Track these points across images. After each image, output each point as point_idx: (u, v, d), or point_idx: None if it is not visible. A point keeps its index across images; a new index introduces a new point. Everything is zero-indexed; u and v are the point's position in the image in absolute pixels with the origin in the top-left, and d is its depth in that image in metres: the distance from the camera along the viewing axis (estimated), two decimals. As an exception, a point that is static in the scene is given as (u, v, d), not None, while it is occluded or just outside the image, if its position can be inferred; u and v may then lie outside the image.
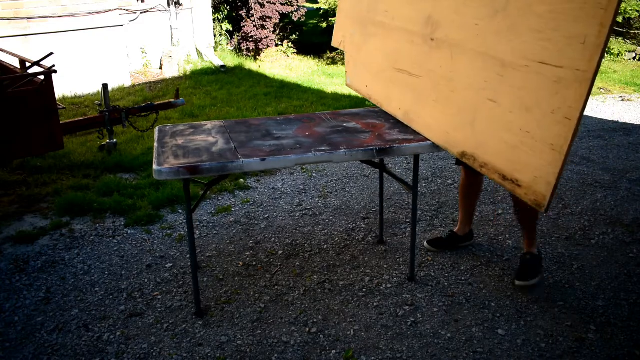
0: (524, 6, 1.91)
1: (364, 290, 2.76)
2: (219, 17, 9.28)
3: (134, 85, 7.25)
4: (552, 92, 1.78)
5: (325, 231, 3.39)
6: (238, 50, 9.22)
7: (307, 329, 2.47)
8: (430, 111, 2.47)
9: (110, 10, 6.90)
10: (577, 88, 1.68)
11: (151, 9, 7.96)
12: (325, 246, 3.21)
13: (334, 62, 9.19)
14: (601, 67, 8.29)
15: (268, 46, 8.98)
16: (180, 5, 8.25)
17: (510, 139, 1.97)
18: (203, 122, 2.89)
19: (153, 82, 7.51)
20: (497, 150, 2.05)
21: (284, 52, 9.20)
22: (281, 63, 8.87)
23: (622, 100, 6.88)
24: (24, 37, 6.22)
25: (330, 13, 9.03)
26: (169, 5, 8.14)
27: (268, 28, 8.89)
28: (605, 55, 8.98)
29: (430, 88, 2.46)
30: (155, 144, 2.51)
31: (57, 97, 3.99)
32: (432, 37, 2.44)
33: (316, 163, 2.50)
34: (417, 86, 2.57)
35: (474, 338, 2.40)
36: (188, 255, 3.06)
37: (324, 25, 9.41)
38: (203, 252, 3.14)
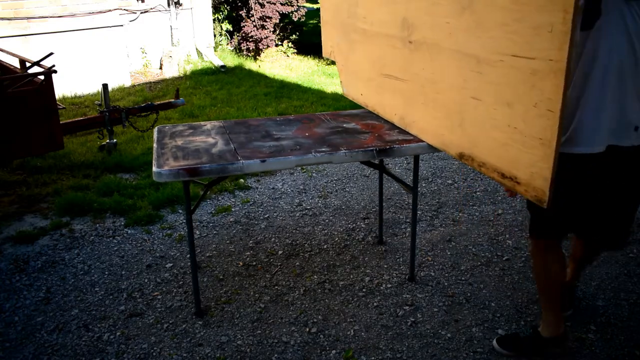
0: (488, 0, 1.87)
1: (364, 290, 2.77)
2: (219, 17, 9.28)
3: (134, 85, 7.25)
4: (529, 85, 1.74)
5: (325, 231, 3.39)
6: (238, 50, 9.22)
7: (307, 329, 2.47)
8: (422, 114, 2.45)
9: (110, 10, 6.90)
10: (553, 79, 1.64)
11: (151, 9, 7.96)
12: (325, 246, 3.21)
13: (334, 62, 9.19)
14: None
15: (268, 46, 8.98)
16: (180, 5, 8.25)
17: (500, 136, 1.94)
18: (202, 123, 2.89)
19: (153, 82, 7.52)
20: (491, 148, 2.03)
21: (284, 52, 9.21)
22: (281, 63, 8.87)
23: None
24: (24, 37, 6.22)
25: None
26: (169, 5, 8.14)
27: (268, 28, 8.89)
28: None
29: (418, 91, 2.43)
30: (155, 145, 2.51)
31: (57, 97, 3.99)
32: (409, 39, 2.40)
33: (316, 164, 2.51)
34: (406, 90, 2.54)
35: (474, 338, 2.40)
36: (188, 255, 3.06)
37: (324, 25, 9.40)
38: (203, 252, 3.14)
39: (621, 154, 1.95)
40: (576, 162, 1.95)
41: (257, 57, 8.99)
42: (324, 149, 2.41)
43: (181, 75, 7.88)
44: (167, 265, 3.00)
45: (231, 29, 9.39)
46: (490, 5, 1.85)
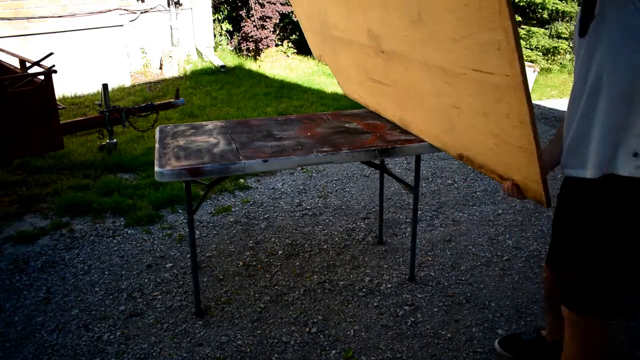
0: (435, 14, 1.77)
1: (364, 290, 2.77)
2: (219, 17, 9.28)
3: (134, 85, 7.25)
4: (496, 98, 1.69)
5: (325, 231, 3.39)
6: (238, 50, 9.22)
7: (307, 329, 2.47)
8: (417, 117, 2.44)
9: (110, 10, 6.90)
10: (514, 94, 1.58)
11: (151, 9, 7.96)
12: (325, 246, 3.21)
13: (333, 62, 9.18)
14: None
15: (268, 46, 8.98)
16: (180, 5, 8.25)
17: (487, 141, 1.91)
18: (204, 123, 2.89)
19: (153, 82, 7.51)
20: (484, 151, 2.00)
21: (284, 52, 9.21)
22: (281, 63, 8.87)
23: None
24: (24, 37, 6.22)
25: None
26: (169, 5, 8.14)
27: (268, 28, 8.89)
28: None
29: (404, 96, 2.41)
30: (157, 145, 2.51)
31: (57, 97, 3.99)
32: (381, 49, 2.36)
33: (318, 164, 2.51)
34: (394, 95, 2.52)
35: (474, 338, 2.40)
36: (188, 255, 3.06)
37: (324, 25, 9.40)
38: (203, 252, 3.14)
39: (620, 183, 1.62)
40: (573, 185, 1.78)
41: (257, 57, 8.99)
42: (325, 149, 2.41)
43: (181, 75, 7.88)
44: (167, 265, 3.00)
45: (231, 29, 9.39)
46: (439, 19, 1.76)
